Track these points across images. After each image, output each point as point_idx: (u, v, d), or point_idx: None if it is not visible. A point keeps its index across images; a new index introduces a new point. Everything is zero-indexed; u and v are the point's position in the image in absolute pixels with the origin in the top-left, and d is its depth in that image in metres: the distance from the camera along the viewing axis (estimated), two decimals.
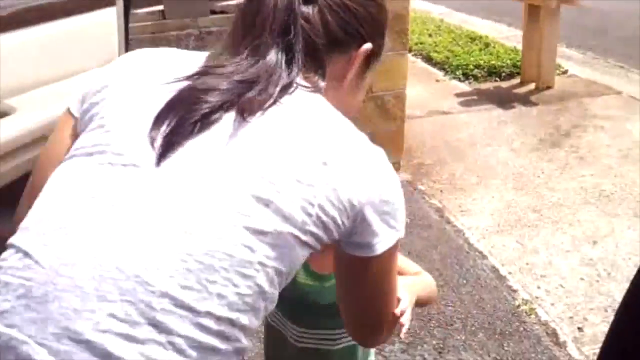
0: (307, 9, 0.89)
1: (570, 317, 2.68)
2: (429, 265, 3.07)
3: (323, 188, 0.82)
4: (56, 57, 1.21)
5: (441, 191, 3.87)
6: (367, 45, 0.94)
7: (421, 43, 6.74)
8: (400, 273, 1.16)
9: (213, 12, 3.34)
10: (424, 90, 5.60)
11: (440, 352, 2.52)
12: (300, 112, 0.87)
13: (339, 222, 0.84)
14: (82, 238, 0.76)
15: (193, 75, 0.86)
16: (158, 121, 0.81)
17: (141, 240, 0.75)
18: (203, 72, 0.86)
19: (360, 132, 0.91)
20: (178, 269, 0.74)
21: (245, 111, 0.82)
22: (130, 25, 3.23)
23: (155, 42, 3.28)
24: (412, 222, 3.49)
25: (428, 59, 6.39)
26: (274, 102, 0.84)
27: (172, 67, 0.90)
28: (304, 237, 0.81)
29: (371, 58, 0.98)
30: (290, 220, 0.79)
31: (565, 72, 5.87)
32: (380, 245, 0.89)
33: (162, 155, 0.79)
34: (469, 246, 3.27)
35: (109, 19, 1.31)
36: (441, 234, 3.38)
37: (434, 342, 2.57)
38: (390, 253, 0.91)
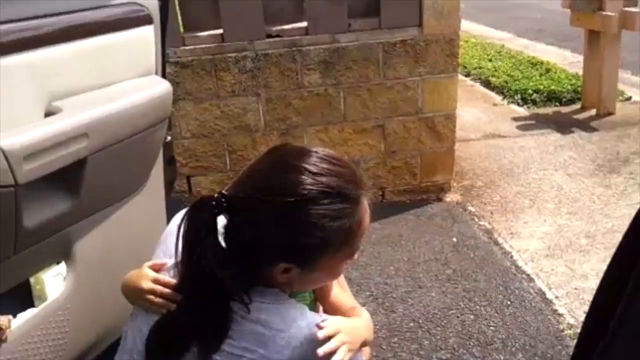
0: None
1: None
2: (473, 285, 3.09)
3: None
4: (98, 67, 1.38)
5: (491, 213, 3.86)
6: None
7: (480, 67, 6.73)
8: (336, 307, 1.23)
9: (269, 36, 3.51)
10: (481, 114, 5.59)
11: None
12: None
13: None
14: None
15: None
16: None
17: None
18: None
19: None
20: None
21: None
22: (192, 47, 3.46)
23: (214, 63, 3.49)
24: (459, 242, 3.51)
25: (486, 84, 6.37)
26: None
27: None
28: None
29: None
30: None
31: (628, 98, 5.71)
32: None
33: None
34: (516, 268, 3.24)
35: (147, 35, 1.48)
36: (488, 255, 3.37)
37: None
38: None
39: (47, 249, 1.35)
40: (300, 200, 1.02)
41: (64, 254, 1.41)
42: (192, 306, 1.07)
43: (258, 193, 1.05)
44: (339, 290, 1.30)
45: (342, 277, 1.32)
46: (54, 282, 1.45)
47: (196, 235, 1.05)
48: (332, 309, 1.25)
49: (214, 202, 1.05)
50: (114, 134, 1.38)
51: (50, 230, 1.33)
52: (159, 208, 1.70)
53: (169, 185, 1.77)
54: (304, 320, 1.08)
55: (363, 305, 2.97)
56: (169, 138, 1.77)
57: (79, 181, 1.35)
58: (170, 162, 1.78)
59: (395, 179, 3.97)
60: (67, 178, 1.34)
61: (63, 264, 1.44)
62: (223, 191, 1.08)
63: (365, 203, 1.10)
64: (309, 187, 1.03)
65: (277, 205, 1.03)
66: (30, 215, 1.25)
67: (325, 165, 1.06)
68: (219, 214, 1.04)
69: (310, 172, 1.04)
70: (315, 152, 1.09)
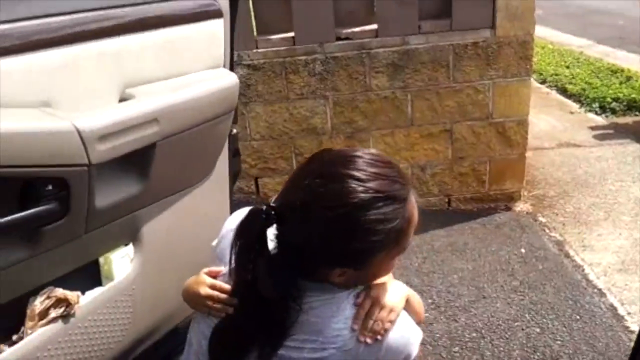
0: None
1: None
2: (541, 297, 2.98)
3: None
4: (170, 58, 1.43)
5: (563, 224, 3.71)
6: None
7: (557, 74, 6.51)
8: None
9: (338, 39, 3.53)
10: (556, 122, 5.39)
11: None
12: None
13: None
14: None
15: None
16: None
17: None
18: None
19: None
20: None
21: None
22: (264, 50, 3.53)
23: (285, 65, 3.54)
24: (528, 253, 3.39)
25: (563, 91, 6.15)
26: None
27: None
28: None
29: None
30: None
31: None
32: None
33: None
34: (587, 282, 3.10)
35: (217, 28, 1.52)
36: (558, 267, 3.24)
37: None
38: None
39: (116, 230, 1.41)
40: (351, 208, 1.04)
41: (132, 236, 1.48)
42: (248, 310, 1.11)
43: (308, 204, 1.06)
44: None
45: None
46: (121, 263, 1.50)
47: (247, 247, 1.09)
48: None
49: (264, 215, 1.08)
50: (183, 121, 1.42)
51: (120, 212, 1.39)
52: (224, 199, 1.74)
53: (233, 177, 1.81)
54: (350, 301, 1.13)
55: (424, 312, 2.95)
56: (234, 130, 1.81)
57: (149, 166, 1.40)
58: (235, 154, 1.82)
59: (462, 186, 3.89)
60: (137, 162, 1.39)
61: (131, 246, 1.50)
62: (272, 203, 1.11)
63: (412, 199, 1.10)
64: (360, 194, 1.04)
65: (329, 215, 1.04)
66: (102, 196, 1.31)
67: (372, 170, 1.07)
68: (269, 225, 1.08)
69: (358, 179, 1.05)
70: (360, 156, 1.09)
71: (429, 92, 3.65)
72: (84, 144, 1.21)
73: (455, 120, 3.73)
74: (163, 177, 1.47)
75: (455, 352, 2.62)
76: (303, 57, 3.54)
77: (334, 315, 1.08)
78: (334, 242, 1.06)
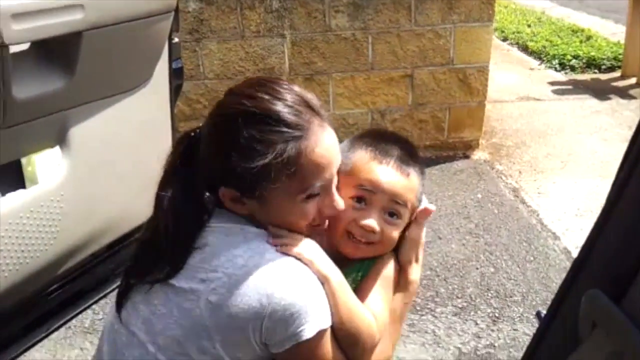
0: None
1: None
2: (495, 239, 2.97)
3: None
4: None
5: (520, 172, 3.71)
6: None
7: (518, 32, 6.50)
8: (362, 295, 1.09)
9: None
10: (517, 77, 5.39)
11: (494, 321, 2.42)
12: None
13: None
14: None
15: None
16: None
17: None
18: None
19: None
20: None
21: None
22: None
23: (240, 0, 3.38)
24: (484, 198, 3.38)
25: (524, 48, 6.15)
26: None
27: None
28: None
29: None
30: None
31: None
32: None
33: None
34: (541, 226, 3.11)
35: None
36: (513, 212, 3.24)
37: (489, 310, 2.47)
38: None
39: (40, 128, 1.28)
40: (228, 119, 0.98)
41: (58, 138, 1.35)
42: (161, 225, 1.02)
43: (207, 117, 1.05)
44: (379, 289, 1.12)
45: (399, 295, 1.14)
46: (47, 166, 1.38)
47: (173, 165, 1.05)
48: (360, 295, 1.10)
49: (192, 134, 1.06)
50: (112, 12, 1.29)
51: (44, 108, 1.26)
52: (164, 111, 1.62)
53: (175, 90, 1.69)
54: (262, 238, 1.02)
55: None
56: (176, 39, 1.68)
57: (74, 58, 1.27)
58: (177, 68, 1.69)
59: (421, 133, 3.84)
60: (62, 52, 1.26)
61: (58, 149, 1.38)
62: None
63: (319, 134, 0.98)
64: (240, 107, 0.98)
65: (210, 126, 1.02)
66: (21, 86, 1.18)
67: (270, 91, 0.99)
68: (193, 142, 1.05)
69: (250, 96, 0.99)
70: (275, 82, 1.02)
71: (390, 35, 3.55)
72: None
73: (416, 65, 3.65)
74: (92, 75, 1.35)
75: None
76: None
77: (236, 245, 0.98)
78: (213, 156, 1.01)
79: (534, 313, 2.44)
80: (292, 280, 0.95)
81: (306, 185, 0.98)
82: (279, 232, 1.01)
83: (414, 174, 1.13)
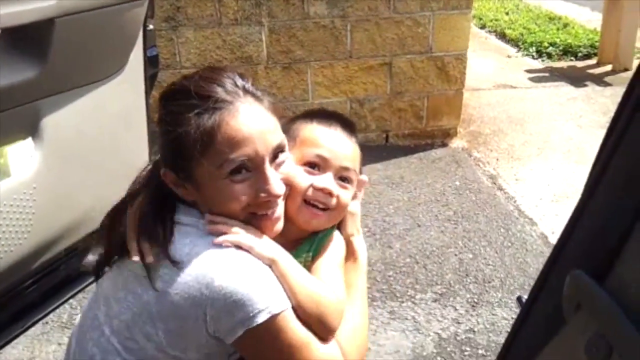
0: None
1: None
2: (473, 225, 3.00)
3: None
4: None
5: (497, 160, 3.74)
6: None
7: (496, 20, 6.53)
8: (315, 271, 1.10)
9: None
10: (494, 65, 5.42)
11: (473, 306, 2.44)
12: None
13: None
14: None
15: None
16: None
17: None
18: None
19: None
20: None
21: None
22: None
23: None
24: (462, 185, 3.41)
25: (502, 36, 6.18)
26: None
27: None
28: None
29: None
30: None
31: None
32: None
33: None
34: (519, 212, 3.14)
35: None
36: (491, 198, 3.27)
37: (468, 296, 2.50)
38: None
39: (11, 119, 1.24)
40: (161, 97, 1.03)
41: (30, 129, 1.31)
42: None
43: None
44: (330, 266, 1.12)
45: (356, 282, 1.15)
46: (19, 158, 1.35)
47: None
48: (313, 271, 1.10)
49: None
50: None
51: (15, 98, 1.23)
52: (138, 100, 1.59)
53: (150, 79, 1.66)
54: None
55: None
56: (151, 26, 1.65)
57: (47, 46, 1.24)
58: (152, 56, 1.66)
59: (400, 121, 3.84)
60: (34, 40, 1.23)
61: (30, 141, 1.34)
62: None
63: (240, 109, 0.97)
64: (172, 86, 1.03)
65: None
66: None
67: (206, 72, 1.03)
68: None
69: (185, 76, 1.03)
70: (218, 67, 1.06)
71: (368, 23, 3.54)
72: None
73: (394, 54, 3.65)
74: (65, 64, 1.31)
75: (389, 276, 2.61)
76: None
77: (186, 235, 0.98)
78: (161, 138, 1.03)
79: (514, 298, 2.47)
80: (232, 268, 0.94)
81: (223, 159, 0.96)
82: (214, 219, 1.00)
83: (356, 142, 1.18)
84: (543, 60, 5.50)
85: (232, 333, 0.93)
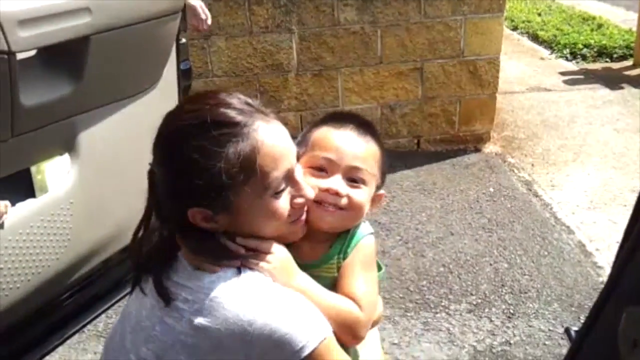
0: None
1: None
2: (509, 234, 2.94)
3: None
4: None
5: (532, 165, 3.67)
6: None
7: (529, 21, 6.42)
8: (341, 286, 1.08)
9: None
10: (527, 68, 5.33)
11: (509, 317, 2.39)
12: None
13: None
14: None
15: None
16: None
17: None
18: None
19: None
20: None
21: None
22: None
23: None
24: (496, 191, 3.35)
25: (534, 38, 6.07)
26: None
27: None
28: None
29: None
30: None
31: None
32: None
33: None
34: (555, 220, 3.07)
35: None
36: (526, 206, 3.21)
37: (504, 306, 2.45)
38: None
39: (48, 136, 1.26)
40: (174, 138, 0.96)
41: (67, 145, 1.33)
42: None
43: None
44: (359, 272, 1.10)
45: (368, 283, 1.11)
46: (56, 174, 1.37)
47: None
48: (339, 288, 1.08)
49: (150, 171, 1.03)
50: (120, 14, 1.27)
51: (52, 115, 1.25)
52: None
53: (183, 91, 1.66)
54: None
55: (392, 248, 2.89)
56: (183, 40, 1.66)
57: (82, 63, 1.25)
58: (186, 69, 1.67)
59: (431, 127, 3.80)
60: (69, 58, 1.25)
61: (67, 156, 1.36)
62: None
63: (265, 127, 0.95)
64: (181, 122, 0.96)
65: (159, 155, 0.99)
66: (29, 93, 1.17)
67: (208, 100, 0.98)
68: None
69: (188, 110, 0.97)
70: (209, 92, 1.01)
71: (399, 28, 3.51)
72: (2, 28, 1.05)
73: (425, 58, 3.61)
74: (100, 80, 1.33)
75: (422, 285, 2.57)
76: None
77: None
78: (170, 181, 0.97)
79: (551, 309, 2.42)
80: (271, 304, 0.93)
81: (269, 180, 0.95)
82: (247, 243, 0.99)
83: (372, 142, 1.13)
84: (577, 62, 5.39)
85: None
